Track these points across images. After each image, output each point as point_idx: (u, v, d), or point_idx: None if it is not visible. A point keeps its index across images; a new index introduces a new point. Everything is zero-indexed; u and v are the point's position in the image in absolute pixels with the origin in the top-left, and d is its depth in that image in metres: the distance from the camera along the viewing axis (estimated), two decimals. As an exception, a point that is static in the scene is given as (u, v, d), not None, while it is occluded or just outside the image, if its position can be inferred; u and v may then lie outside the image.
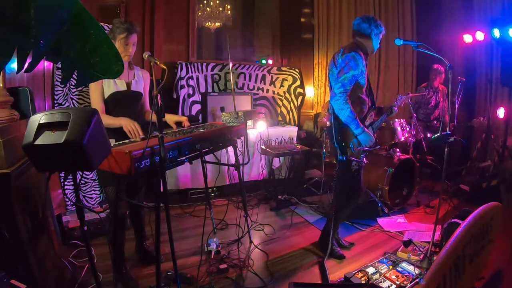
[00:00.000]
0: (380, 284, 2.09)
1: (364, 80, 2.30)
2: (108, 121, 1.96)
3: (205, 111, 3.98)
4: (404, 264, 2.32)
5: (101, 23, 2.31)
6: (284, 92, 4.87)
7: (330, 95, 2.37)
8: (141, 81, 2.22)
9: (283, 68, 4.90)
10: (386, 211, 3.32)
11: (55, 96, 2.92)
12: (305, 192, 4.01)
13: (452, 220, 2.39)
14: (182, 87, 4.13)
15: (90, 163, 1.21)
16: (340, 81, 2.22)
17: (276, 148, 3.69)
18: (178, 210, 3.44)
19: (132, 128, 1.95)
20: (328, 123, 2.62)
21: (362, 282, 2.10)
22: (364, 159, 2.40)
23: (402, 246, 2.54)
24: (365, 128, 2.28)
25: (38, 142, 1.16)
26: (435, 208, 2.77)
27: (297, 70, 4.94)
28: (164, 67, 1.60)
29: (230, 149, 2.60)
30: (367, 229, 3.03)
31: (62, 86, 2.94)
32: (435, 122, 4.43)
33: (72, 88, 3.03)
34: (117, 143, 1.82)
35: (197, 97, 4.25)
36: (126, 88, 2.11)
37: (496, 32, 3.84)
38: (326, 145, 3.95)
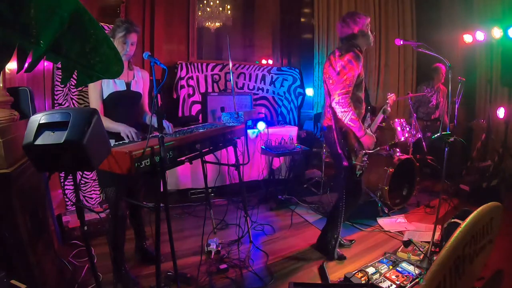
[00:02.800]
0: (380, 284, 2.09)
1: (363, 79, 2.26)
2: (107, 124, 1.93)
3: (205, 111, 3.98)
4: (404, 264, 2.32)
5: (101, 23, 2.31)
6: (284, 92, 4.87)
7: (328, 99, 2.27)
8: (140, 82, 2.20)
9: (283, 68, 4.90)
10: (386, 211, 3.32)
11: (55, 96, 2.92)
12: (305, 192, 4.01)
13: (452, 220, 2.38)
14: (182, 87, 4.13)
15: (90, 163, 1.21)
16: (342, 83, 2.14)
17: (276, 148, 3.69)
18: (178, 210, 3.44)
19: (131, 135, 1.94)
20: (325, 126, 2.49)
21: (362, 282, 2.10)
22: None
23: (402, 246, 2.54)
24: (367, 130, 2.25)
25: (38, 142, 1.16)
26: (435, 208, 2.77)
27: (297, 70, 4.94)
28: (165, 67, 1.60)
29: (230, 149, 2.60)
30: (367, 229, 3.03)
31: (62, 86, 2.94)
32: (435, 122, 4.43)
33: (72, 88, 3.03)
34: (117, 143, 1.82)
35: (197, 97, 4.25)
36: (125, 88, 2.08)
37: (496, 32, 3.84)
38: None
